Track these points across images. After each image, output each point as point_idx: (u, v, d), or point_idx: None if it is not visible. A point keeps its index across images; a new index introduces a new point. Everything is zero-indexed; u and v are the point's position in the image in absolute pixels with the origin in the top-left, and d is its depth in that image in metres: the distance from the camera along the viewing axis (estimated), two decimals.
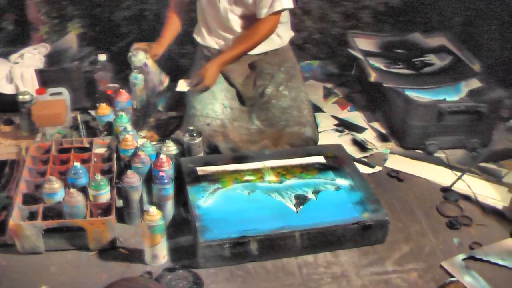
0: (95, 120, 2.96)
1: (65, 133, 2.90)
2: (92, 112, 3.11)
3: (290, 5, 2.90)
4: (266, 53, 3.08)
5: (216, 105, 2.87)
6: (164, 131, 3.04)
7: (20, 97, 2.92)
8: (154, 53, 3.00)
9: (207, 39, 3.09)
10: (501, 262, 2.28)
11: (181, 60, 3.07)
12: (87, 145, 2.72)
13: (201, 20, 3.10)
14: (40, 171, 2.57)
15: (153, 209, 2.17)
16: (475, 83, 3.10)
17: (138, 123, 3.01)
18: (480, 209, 2.59)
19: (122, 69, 3.32)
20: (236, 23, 2.97)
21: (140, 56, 2.94)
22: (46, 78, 3.11)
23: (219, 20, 2.99)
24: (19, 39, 3.58)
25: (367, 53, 3.40)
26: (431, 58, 3.40)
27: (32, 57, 3.18)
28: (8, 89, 3.08)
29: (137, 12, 3.63)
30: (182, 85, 2.95)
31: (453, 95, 3.02)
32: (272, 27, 2.94)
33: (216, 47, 3.06)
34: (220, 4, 2.92)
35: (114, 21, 3.62)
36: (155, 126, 3.08)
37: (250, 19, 2.95)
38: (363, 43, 3.50)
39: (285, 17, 3.09)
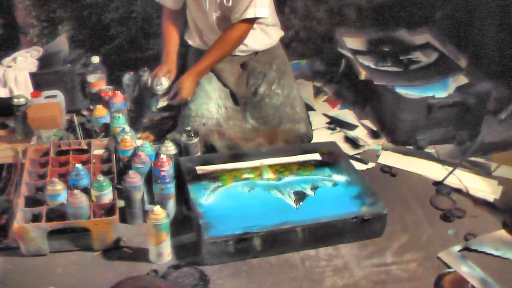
0: (90, 121, 2.98)
1: (61, 135, 2.91)
2: (87, 114, 3.13)
3: (264, 14, 2.87)
4: (256, 52, 3.13)
5: (210, 105, 2.91)
6: (158, 132, 3.06)
7: (15, 100, 2.92)
8: (172, 75, 3.01)
9: (198, 42, 3.13)
10: (495, 252, 2.36)
11: None
12: (85, 147, 2.74)
13: (191, 23, 3.12)
14: (39, 173, 2.58)
15: (157, 208, 2.20)
16: (462, 79, 3.18)
17: (133, 124, 3.03)
18: (472, 201, 2.67)
19: (113, 71, 3.36)
20: (222, 27, 3.00)
21: (165, 84, 2.96)
22: (39, 81, 3.12)
23: (207, 24, 3.03)
24: (8, 42, 3.57)
25: (356, 52, 3.47)
26: (417, 55, 3.47)
27: (25, 61, 3.18)
28: (2, 93, 3.08)
29: (126, 14, 3.65)
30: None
31: (441, 91, 3.10)
32: (242, 34, 2.93)
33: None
34: (206, 8, 2.95)
35: (103, 23, 3.63)
36: (149, 127, 3.10)
37: None
38: (351, 42, 3.55)
39: (274, 19, 3.12)
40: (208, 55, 2.96)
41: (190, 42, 3.16)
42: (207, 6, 2.93)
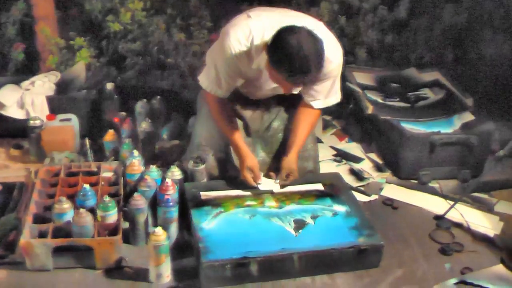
0: (102, 146, 3.07)
1: (73, 158, 3.00)
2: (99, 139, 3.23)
3: (340, 98, 2.88)
4: None
5: (220, 135, 2.96)
6: (167, 159, 3.13)
7: (31, 122, 3.04)
8: (256, 168, 2.78)
9: None
10: (491, 287, 2.37)
11: None
12: (95, 169, 2.82)
13: None
14: (49, 193, 2.67)
15: (158, 230, 2.27)
16: (468, 117, 3.23)
17: (142, 150, 3.11)
18: (471, 236, 2.69)
19: (127, 98, 3.46)
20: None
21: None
22: (55, 105, 3.24)
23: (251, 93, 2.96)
24: (29, 68, 3.71)
25: (365, 87, 3.54)
26: (425, 92, 3.54)
27: (43, 85, 3.31)
28: (19, 115, 3.19)
29: (142, 44, 3.78)
30: (269, 183, 2.79)
31: (446, 128, 3.15)
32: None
33: None
34: (263, 86, 2.83)
35: (120, 52, 3.76)
36: (159, 153, 3.18)
37: None
38: (361, 77, 3.63)
39: None
40: (300, 133, 2.85)
41: None
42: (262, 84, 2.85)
